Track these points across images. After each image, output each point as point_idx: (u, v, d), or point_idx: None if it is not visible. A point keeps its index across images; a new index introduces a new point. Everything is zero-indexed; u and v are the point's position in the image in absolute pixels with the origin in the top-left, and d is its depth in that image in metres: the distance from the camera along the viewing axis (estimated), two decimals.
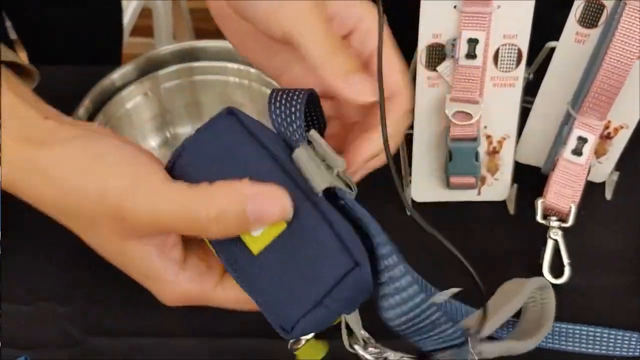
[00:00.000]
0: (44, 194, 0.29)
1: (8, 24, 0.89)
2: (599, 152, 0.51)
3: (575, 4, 0.45)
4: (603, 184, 0.52)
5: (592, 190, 0.51)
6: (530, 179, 0.51)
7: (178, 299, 0.32)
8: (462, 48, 0.45)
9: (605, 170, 0.52)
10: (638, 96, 0.47)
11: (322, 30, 0.32)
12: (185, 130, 0.51)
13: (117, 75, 0.46)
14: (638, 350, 0.44)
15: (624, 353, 0.44)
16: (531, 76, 0.50)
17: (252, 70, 0.48)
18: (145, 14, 1.31)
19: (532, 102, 0.51)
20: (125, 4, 1.16)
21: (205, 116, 0.48)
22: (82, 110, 0.44)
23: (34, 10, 0.85)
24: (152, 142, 0.50)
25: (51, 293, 0.46)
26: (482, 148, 0.49)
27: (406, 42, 0.47)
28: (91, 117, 0.45)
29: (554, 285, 0.46)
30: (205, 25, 1.50)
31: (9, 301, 0.46)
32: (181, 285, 0.31)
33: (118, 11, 0.91)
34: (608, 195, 0.52)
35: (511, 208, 0.51)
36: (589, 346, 0.45)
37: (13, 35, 0.91)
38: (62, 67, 0.64)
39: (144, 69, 0.48)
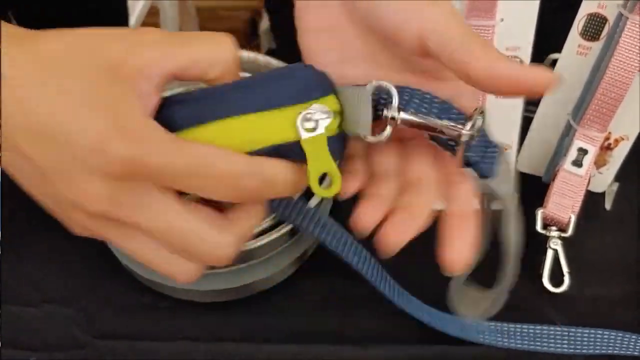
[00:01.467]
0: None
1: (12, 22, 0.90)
2: (599, 163, 0.51)
3: (578, 17, 0.46)
4: (603, 193, 0.53)
5: (592, 200, 0.51)
6: (531, 188, 0.51)
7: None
8: None
9: (605, 181, 0.52)
10: (638, 108, 0.48)
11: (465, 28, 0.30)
12: None
13: None
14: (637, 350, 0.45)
15: (623, 352, 0.45)
16: None
17: None
18: (152, 12, 1.32)
19: (534, 112, 0.51)
20: (132, 3, 1.16)
21: None
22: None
23: (39, 10, 0.86)
24: None
25: (57, 295, 0.47)
26: None
27: None
28: None
29: (555, 294, 0.47)
30: (212, 25, 1.51)
31: (14, 302, 0.47)
32: None
33: (124, 11, 0.92)
34: (608, 205, 0.52)
35: None
36: (584, 346, 0.45)
37: None
38: None
39: None
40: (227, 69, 0.30)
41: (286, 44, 1.37)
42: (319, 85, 0.31)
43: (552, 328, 0.45)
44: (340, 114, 0.31)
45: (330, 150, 0.30)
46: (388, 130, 0.31)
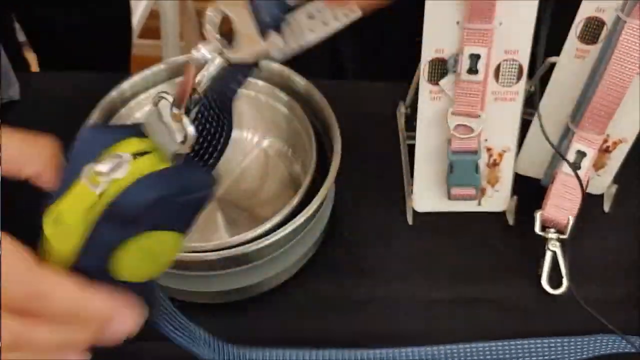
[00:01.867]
0: None
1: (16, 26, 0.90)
2: (597, 165, 0.52)
3: (576, 21, 0.46)
4: (601, 196, 0.53)
5: (591, 202, 0.51)
6: (530, 190, 0.51)
7: None
8: (464, 63, 0.46)
9: (603, 183, 0.52)
10: (636, 111, 0.48)
11: None
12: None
13: (126, 86, 0.47)
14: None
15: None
16: (532, 89, 0.51)
17: (260, 82, 0.49)
18: (153, 14, 1.32)
19: (532, 114, 0.52)
20: (134, 5, 1.17)
21: None
22: (91, 121, 0.45)
23: (43, 14, 0.86)
24: None
25: None
26: (483, 160, 0.50)
27: (409, 56, 0.49)
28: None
29: (553, 296, 0.47)
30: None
31: None
32: None
33: (127, 15, 0.92)
34: (606, 207, 0.53)
35: (510, 219, 0.52)
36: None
37: (22, 37, 0.93)
38: (74, 74, 0.65)
39: (153, 79, 0.49)
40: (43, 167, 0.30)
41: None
42: (99, 139, 0.29)
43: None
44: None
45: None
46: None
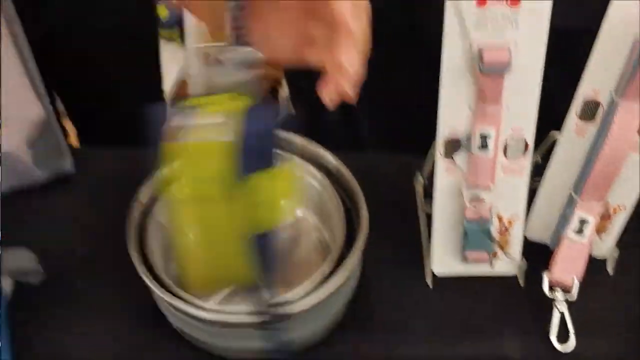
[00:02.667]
0: None
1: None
2: (599, 230, 0.56)
3: (575, 101, 0.52)
4: (605, 259, 0.57)
5: (595, 264, 0.56)
6: (540, 253, 0.56)
7: None
8: (476, 141, 0.51)
9: (606, 247, 0.57)
10: (633, 180, 0.53)
11: None
12: None
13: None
14: None
15: None
16: (539, 160, 0.56)
17: (296, 158, 0.55)
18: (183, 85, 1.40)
19: (538, 181, 0.56)
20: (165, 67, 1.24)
21: None
22: (145, 191, 0.52)
23: (84, 91, 0.93)
24: None
25: (107, 355, 0.52)
26: (494, 227, 0.54)
27: (426, 133, 0.54)
28: (152, 201, 0.52)
29: (561, 353, 0.51)
30: None
31: None
32: None
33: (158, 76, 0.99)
34: (610, 269, 0.57)
35: (521, 281, 0.56)
36: None
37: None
38: (115, 151, 0.70)
39: None
40: None
41: (304, 111, 1.44)
42: None
43: None
44: None
45: None
46: None
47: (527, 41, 0.48)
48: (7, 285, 0.52)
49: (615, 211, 0.55)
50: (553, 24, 0.48)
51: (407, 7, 0.70)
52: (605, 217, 0.56)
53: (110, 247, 0.52)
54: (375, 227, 0.52)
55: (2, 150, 0.60)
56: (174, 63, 1.34)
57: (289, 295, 0.46)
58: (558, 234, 0.55)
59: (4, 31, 0.58)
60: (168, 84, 1.35)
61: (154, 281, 0.47)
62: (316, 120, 0.58)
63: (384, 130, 0.79)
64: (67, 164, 0.64)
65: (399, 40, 0.69)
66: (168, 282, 0.48)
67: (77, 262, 0.58)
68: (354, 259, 0.47)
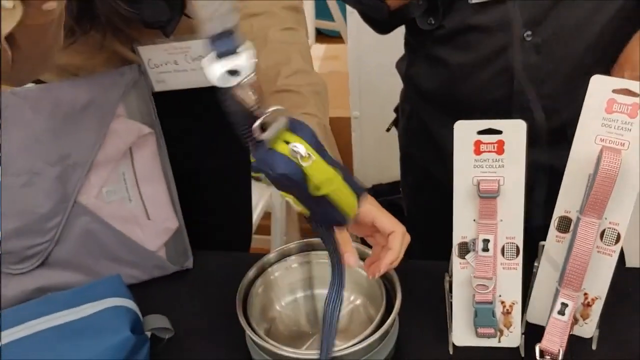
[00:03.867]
0: None
1: None
2: (584, 316, 0.74)
3: (554, 218, 0.72)
4: (590, 338, 0.74)
5: (582, 342, 0.73)
6: (538, 332, 0.74)
7: None
8: (480, 245, 0.72)
9: (590, 329, 0.74)
10: (600, 276, 0.71)
11: None
12: (305, 293, 0.81)
13: (272, 255, 0.78)
14: None
15: None
16: (536, 264, 0.76)
17: None
18: (265, 215, 1.68)
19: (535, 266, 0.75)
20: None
21: (317, 287, 0.78)
22: (248, 276, 0.75)
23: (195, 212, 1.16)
24: (288, 299, 0.81)
25: None
26: (498, 309, 0.74)
27: (445, 244, 0.76)
28: (253, 280, 0.76)
29: None
30: (309, 226, 1.85)
31: None
32: None
33: (249, 217, 1.25)
34: (594, 346, 0.74)
35: (522, 352, 0.74)
36: None
37: None
38: (219, 253, 0.96)
39: (283, 254, 0.79)
40: None
41: None
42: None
43: None
44: None
45: None
46: None
47: (511, 177, 0.70)
48: (148, 335, 0.75)
49: (593, 301, 0.74)
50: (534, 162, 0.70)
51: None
52: (586, 305, 0.74)
53: (217, 317, 0.75)
54: (412, 309, 0.72)
55: (149, 249, 0.86)
56: (261, 199, 1.63)
57: (344, 344, 0.67)
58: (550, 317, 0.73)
59: (158, 163, 0.85)
60: (257, 213, 1.62)
61: (254, 333, 0.69)
62: None
63: (423, 242, 1.00)
64: (189, 261, 0.89)
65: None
66: (263, 335, 0.69)
67: (195, 326, 0.81)
68: (390, 321, 0.68)
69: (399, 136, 1.13)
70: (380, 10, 0.90)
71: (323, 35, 3.21)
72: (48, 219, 0.81)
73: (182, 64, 0.86)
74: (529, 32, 0.82)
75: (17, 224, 0.81)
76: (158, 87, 0.88)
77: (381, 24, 0.95)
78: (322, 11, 3.04)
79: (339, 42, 2.49)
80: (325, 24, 3.14)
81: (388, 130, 1.14)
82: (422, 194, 1.11)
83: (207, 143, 1.03)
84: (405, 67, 1.01)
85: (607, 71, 0.84)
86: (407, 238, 0.73)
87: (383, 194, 1.71)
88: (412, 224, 1.08)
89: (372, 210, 0.73)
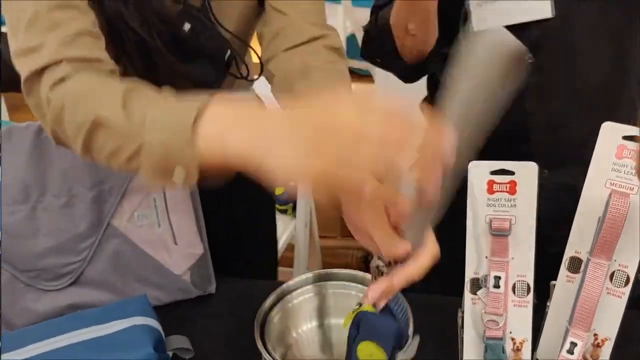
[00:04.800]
0: None
1: None
2: (594, 356, 0.75)
3: (565, 258, 0.75)
4: None
5: None
6: None
7: None
8: (491, 281, 0.74)
9: None
10: (610, 319, 0.73)
11: None
12: (321, 321, 0.84)
13: (291, 283, 0.81)
14: None
15: None
16: (548, 304, 0.78)
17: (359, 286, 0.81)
18: (288, 247, 1.71)
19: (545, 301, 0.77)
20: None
21: (333, 317, 0.81)
22: (267, 303, 0.78)
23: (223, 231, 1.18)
24: (304, 327, 0.83)
25: None
26: (509, 346, 0.75)
27: (458, 277, 0.78)
28: (271, 307, 0.79)
29: None
30: (331, 260, 1.88)
31: None
32: None
33: (274, 248, 1.29)
34: None
35: None
36: None
37: None
38: (241, 280, 0.99)
39: (302, 283, 0.82)
40: None
41: None
42: None
43: None
44: None
45: None
46: None
47: (523, 216, 0.73)
48: (169, 355, 0.78)
49: (603, 342, 0.75)
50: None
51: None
52: (596, 346, 0.75)
53: (236, 341, 0.78)
54: (426, 344, 0.74)
55: (175, 273, 0.90)
56: (285, 231, 1.67)
57: None
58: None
59: (187, 192, 0.90)
60: (281, 245, 1.66)
61: (270, 357, 0.72)
62: None
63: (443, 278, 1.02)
64: (212, 287, 0.93)
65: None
66: (277, 357, 0.72)
67: (215, 348, 0.84)
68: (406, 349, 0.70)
69: None
70: (397, 68, 0.95)
71: (355, 75, 3.28)
72: (83, 239, 0.86)
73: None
74: (530, 55, 0.86)
75: (54, 243, 0.86)
76: None
77: (405, 76, 1.00)
78: (353, 50, 3.12)
79: (369, 81, 2.55)
80: (356, 64, 3.22)
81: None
82: (444, 229, 1.13)
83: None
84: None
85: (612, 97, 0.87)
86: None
87: None
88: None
89: None
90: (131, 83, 0.66)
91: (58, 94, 0.67)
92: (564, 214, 0.74)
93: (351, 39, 3.08)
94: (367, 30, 0.97)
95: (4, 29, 0.73)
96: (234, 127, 0.58)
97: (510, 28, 0.85)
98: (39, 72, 0.68)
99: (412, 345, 0.68)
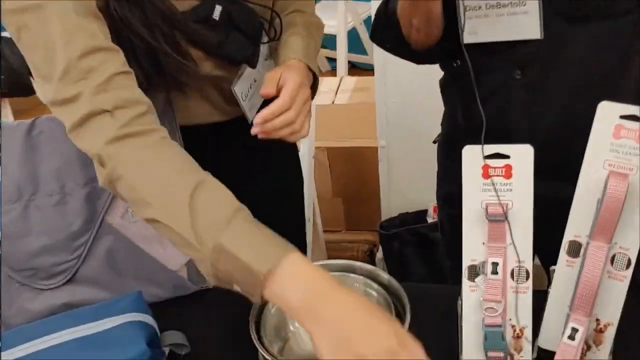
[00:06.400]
0: None
1: None
2: (596, 342, 0.74)
3: (564, 242, 0.73)
4: None
5: None
6: (551, 356, 0.74)
7: None
8: (489, 268, 0.73)
9: (603, 355, 0.74)
10: (613, 302, 0.71)
11: None
12: None
13: None
14: None
15: None
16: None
17: (359, 277, 0.79)
18: None
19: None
20: None
21: None
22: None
23: None
24: None
25: None
26: (509, 333, 0.74)
27: (456, 265, 0.77)
28: (267, 301, 0.78)
29: None
30: (336, 254, 1.87)
31: None
32: None
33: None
34: None
35: None
36: None
37: None
38: None
39: None
40: None
41: (397, 271, 1.68)
42: None
43: None
44: None
45: None
46: None
47: (519, 201, 0.71)
48: (165, 350, 0.77)
49: (605, 327, 0.73)
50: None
51: None
52: (599, 331, 0.73)
53: (233, 335, 0.77)
54: (425, 332, 0.72)
55: (171, 269, 0.89)
56: None
57: None
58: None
59: None
60: None
61: (266, 351, 0.71)
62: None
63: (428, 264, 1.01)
64: (210, 282, 0.92)
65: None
66: (275, 354, 0.71)
67: (211, 343, 0.83)
68: None
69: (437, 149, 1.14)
70: (404, 53, 0.94)
71: (357, 69, 3.27)
72: (77, 237, 0.86)
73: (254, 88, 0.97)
74: (519, 72, 0.84)
75: (48, 242, 0.85)
76: (252, 114, 0.98)
77: (416, 60, 0.99)
78: (355, 44, 3.10)
79: (371, 75, 2.54)
80: (358, 58, 3.21)
81: (435, 142, 1.15)
82: (452, 207, 1.12)
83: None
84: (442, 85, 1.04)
85: None
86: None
87: (408, 222, 1.72)
88: (444, 238, 1.10)
89: None
90: (189, 175, 0.69)
91: (113, 159, 0.69)
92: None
93: (353, 33, 3.07)
94: (378, 15, 0.97)
95: (4, 34, 0.73)
96: (299, 291, 0.62)
97: (500, 44, 0.85)
98: (81, 123, 0.70)
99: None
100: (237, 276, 0.64)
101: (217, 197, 0.68)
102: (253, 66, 0.93)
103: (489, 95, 0.87)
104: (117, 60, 0.72)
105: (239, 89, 0.94)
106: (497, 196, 0.71)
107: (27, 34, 0.70)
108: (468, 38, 0.85)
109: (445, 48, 0.90)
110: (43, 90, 0.73)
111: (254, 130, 0.84)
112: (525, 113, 0.87)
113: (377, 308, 0.61)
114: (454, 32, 0.85)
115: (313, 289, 0.62)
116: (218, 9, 0.83)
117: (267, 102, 0.98)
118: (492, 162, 0.71)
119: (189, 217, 0.65)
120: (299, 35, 0.94)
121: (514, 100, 0.87)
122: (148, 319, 0.77)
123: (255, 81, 0.96)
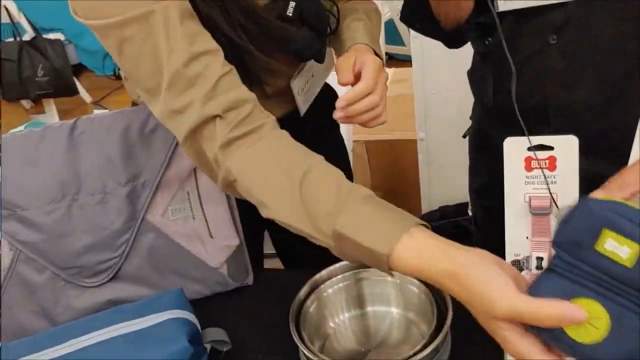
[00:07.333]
0: None
1: None
2: None
3: None
4: None
5: None
6: None
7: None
8: (533, 263, 0.71)
9: None
10: None
11: None
12: (357, 310, 0.82)
13: (324, 272, 0.80)
14: None
15: None
16: None
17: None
18: None
19: None
20: None
21: (369, 305, 0.79)
22: (302, 292, 0.77)
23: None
24: (341, 316, 0.82)
25: None
26: None
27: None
28: (306, 297, 0.78)
29: None
30: None
31: None
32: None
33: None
34: None
35: None
36: None
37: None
38: (278, 270, 0.99)
39: (332, 274, 0.81)
40: None
41: None
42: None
43: None
44: None
45: None
46: None
47: (565, 193, 0.69)
48: (207, 347, 0.78)
49: None
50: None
51: None
52: None
53: (274, 332, 0.77)
54: (467, 326, 0.71)
55: (211, 265, 0.90)
56: None
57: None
58: None
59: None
60: None
61: (307, 349, 0.71)
62: None
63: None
64: (250, 278, 0.93)
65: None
66: (316, 351, 0.71)
67: (250, 339, 0.83)
68: (441, 337, 0.67)
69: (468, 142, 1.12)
70: (435, 33, 0.92)
71: (395, 60, 3.24)
72: (119, 235, 0.87)
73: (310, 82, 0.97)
74: (554, 37, 0.81)
75: (91, 240, 0.87)
76: (305, 107, 0.98)
77: (447, 41, 0.97)
78: (392, 36, 3.08)
79: (409, 66, 2.51)
80: (396, 49, 3.18)
81: (464, 136, 1.13)
82: (486, 199, 1.10)
83: None
84: (471, 73, 1.02)
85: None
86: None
87: (449, 215, 1.70)
88: (479, 232, 1.09)
89: None
90: (299, 162, 0.68)
91: (228, 161, 0.70)
92: None
93: (389, 24, 3.05)
94: None
95: (49, 36, 0.73)
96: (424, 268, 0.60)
97: (535, 9, 0.82)
98: (194, 132, 0.70)
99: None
100: (363, 258, 0.63)
101: (325, 183, 0.66)
102: (321, 61, 0.91)
103: (524, 64, 0.84)
104: (219, 60, 0.71)
105: (297, 84, 0.93)
106: (548, 187, 0.69)
107: (130, 47, 0.69)
108: (502, 5, 0.83)
109: (476, 25, 0.87)
110: (150, 105, 0.73)
111: (336, 115, 0.82)
112: (561, 81, 0.84)
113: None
114: (485, 5, 0.83)
115: (437, 264, 0.59)
116: (292, 5, 0.82)
117: (319, 97, 0.97)
118: (535, 154, 0.69)
119: (303, 212, 0.65)
120: (361, 20, 0.93)
121: (549, 67, 0.83)
122: (190, 315, 0.77)
123: (312, 76, 0.95)
